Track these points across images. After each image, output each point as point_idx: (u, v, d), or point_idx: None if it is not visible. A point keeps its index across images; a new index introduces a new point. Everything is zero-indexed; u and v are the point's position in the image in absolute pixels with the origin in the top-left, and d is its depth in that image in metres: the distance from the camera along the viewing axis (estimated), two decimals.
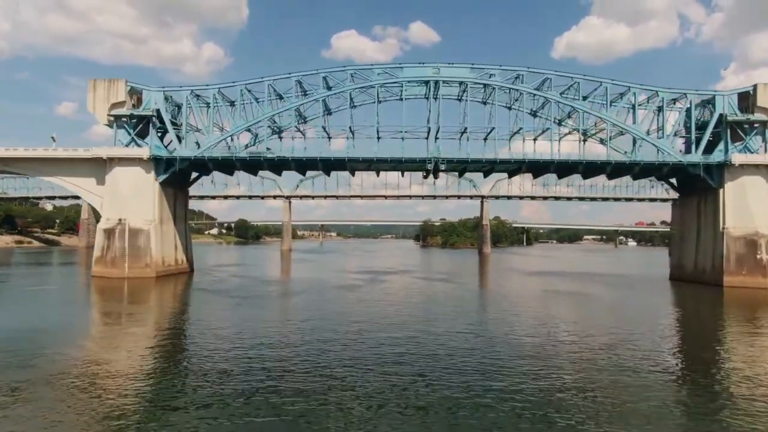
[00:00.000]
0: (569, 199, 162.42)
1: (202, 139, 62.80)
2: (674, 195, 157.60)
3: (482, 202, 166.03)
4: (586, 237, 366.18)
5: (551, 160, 59.26)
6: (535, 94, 60.14)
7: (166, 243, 60.34)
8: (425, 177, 68.05)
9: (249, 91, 61.91)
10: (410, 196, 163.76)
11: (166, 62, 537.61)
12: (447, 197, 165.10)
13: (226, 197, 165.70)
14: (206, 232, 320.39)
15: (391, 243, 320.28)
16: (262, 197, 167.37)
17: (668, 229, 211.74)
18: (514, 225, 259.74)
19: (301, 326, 30.47)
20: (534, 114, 64.66)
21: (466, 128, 60.82)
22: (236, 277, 65.06)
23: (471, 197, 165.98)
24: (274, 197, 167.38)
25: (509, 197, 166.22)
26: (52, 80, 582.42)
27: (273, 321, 32.81)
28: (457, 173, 68.70)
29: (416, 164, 61.97)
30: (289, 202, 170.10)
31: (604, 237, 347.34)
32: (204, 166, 60.99)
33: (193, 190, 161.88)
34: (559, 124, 64.09)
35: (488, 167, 64.03)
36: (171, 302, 43.47)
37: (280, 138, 66.11)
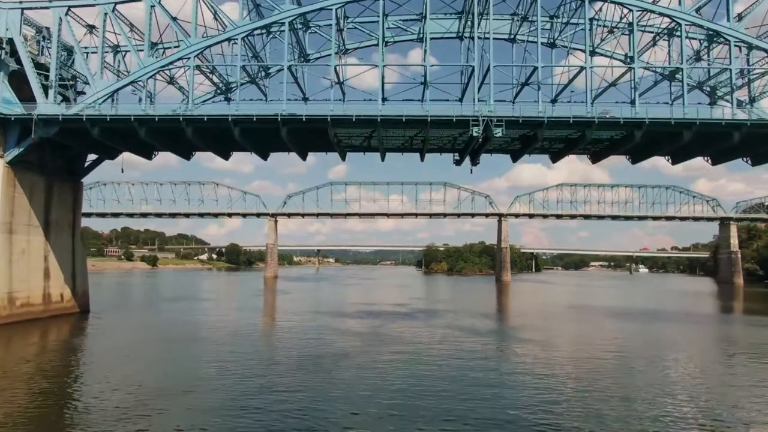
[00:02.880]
0: (600, 217, 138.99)
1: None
2: (721, 213, 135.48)
3: (500, 221, 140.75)
4: (592, 263, 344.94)
5: (691, 121, 33.45)
6: (644, 10, 35.18)
7: (21, 267, 35.21)
8: (458, 161, 42.12)
9: (174, 19, 37.58)
10: (416, 214, 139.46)
11: None
12: (459, 215, 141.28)
13: (202, 215, 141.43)
14: (195, 258, 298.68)
15: (391, 269, 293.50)
16: (244, 215, 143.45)
17: (705, 255, 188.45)
18: (522, 250, 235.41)
19: None
20: (630, 59, 40.29)
21: (535, 69, 35.39)
22: (154, 326, 39.42)
23: (487, 215, 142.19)
24: (258, 215, 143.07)
25: (531, 215, 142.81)
26: None
27: None
28: (513, 149, 42.41)
29: (453, 128, 35.10)
30: (275, 221, 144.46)
31: (612, 264, 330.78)
32: (86, 133, 35.49)
33: (164, 207, 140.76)
34: (674, 76, 39.51)
35: (574, 136, 37.32)
36: None
37: (228, 100, 41.77)
